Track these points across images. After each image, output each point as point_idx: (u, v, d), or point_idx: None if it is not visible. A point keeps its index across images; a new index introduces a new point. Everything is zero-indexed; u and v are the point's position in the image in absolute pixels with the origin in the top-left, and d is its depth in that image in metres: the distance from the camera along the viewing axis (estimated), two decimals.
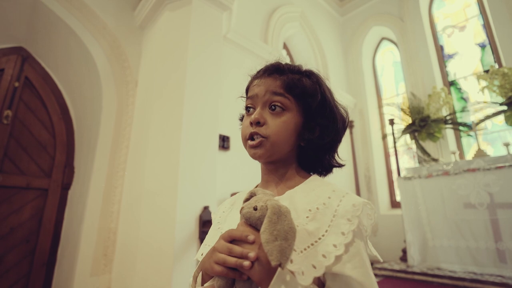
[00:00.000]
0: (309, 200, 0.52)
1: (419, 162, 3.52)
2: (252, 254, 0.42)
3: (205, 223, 1.98)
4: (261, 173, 0.65)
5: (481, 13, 3.83)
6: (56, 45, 2.60)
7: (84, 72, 2.66)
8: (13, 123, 2.41)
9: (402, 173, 3.51)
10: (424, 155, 3.46)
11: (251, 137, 0.57)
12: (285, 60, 0.65)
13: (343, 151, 3.99)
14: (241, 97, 0.68)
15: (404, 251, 3.17)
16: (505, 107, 2.97)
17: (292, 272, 0.42)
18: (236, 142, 2.77)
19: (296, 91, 0.57)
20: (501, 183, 2.52)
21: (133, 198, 2.31)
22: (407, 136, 3.93)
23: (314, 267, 0.44)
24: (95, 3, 2.61)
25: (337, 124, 0.59)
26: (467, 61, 3.90)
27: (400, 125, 3.93)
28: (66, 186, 2.58)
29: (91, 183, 2.39)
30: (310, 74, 0.61)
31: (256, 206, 0.45)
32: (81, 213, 2.36)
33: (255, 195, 0.50)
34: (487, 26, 3.72)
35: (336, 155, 0.62)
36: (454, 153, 3.23)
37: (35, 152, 2.49)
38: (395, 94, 4.64)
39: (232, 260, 0.43)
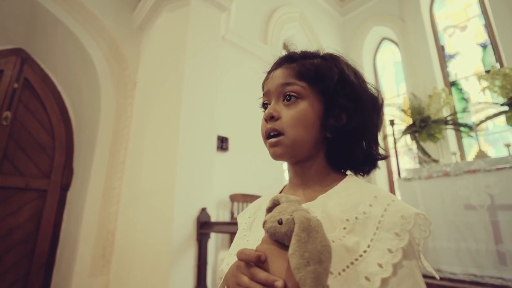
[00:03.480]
0: (345, 207, 0.44)
1: (420, 163, 3.50)
2: (279, 284, 0.35)
3: (202, 225, 1.97)
4: (288, 175, 0.58)
5: (482, 13, 3.80)
6: (55, 46, 2.61)
7: (83, 73, 2.67)
8: (12, 124, 2.42)
9: (402, 174, 3.49)
10: (425, 156, 3.44)
11: (268, 134, 0.51)
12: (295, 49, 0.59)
13: None
14: (260, 98, 0.61)
15: None
16: (506, 108, 2.94)
17: None
18: (235, 143, 2.76)
19: (309, 75, 0.50)
20: (501, 184, 2.50)
21: (132, 199, 2.31)
22: (408, 137, 3.91)
23: None
24: (94, 4, 2.62)
25: (364, 104, 0.51)
26: (468, 61, 3.87)
27: (401, 125, 3.91)
28: (65, 187, 2.58)
29: (90, 184, 2.39)
30: (325, 55, 0.55)
31: (281, 220, 0.38)
32: (79, 214, 2.36)
33: (278, 203, 0.43)
34: (488, 26, 3.69)
35: (373, 145, 0.52)
36: (454, 154, 3.21)
37: (34, 153, 2.50)
38: (396, 95, 4.61)
39: (256, 287, 0.37)
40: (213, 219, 2.07)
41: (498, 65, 3.45)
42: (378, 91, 0.54)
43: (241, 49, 3.12)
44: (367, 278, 0.37)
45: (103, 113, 2.57)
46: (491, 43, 3.64)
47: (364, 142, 0.52)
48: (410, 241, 0.39)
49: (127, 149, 2.61)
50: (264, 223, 0.40)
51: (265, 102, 0.56)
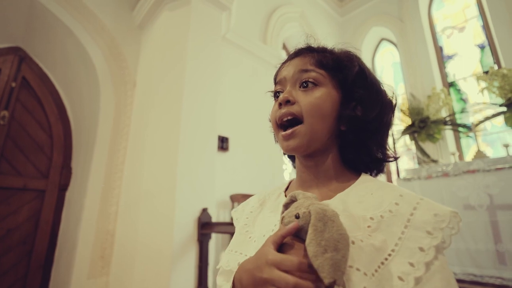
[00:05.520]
0: (368, 206, 0.43)
1: (419, 163, 3.51)
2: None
3: (203, 225, 1.96)
4: (297, 170, 0.55)
5: (480, 14, 3.82)
6: (54, 45, 2.58)
7: (82, 73, 2.64)
8: (10, 124, 2.39)
9: (402, 174, 3.50)
10: (424, 156, 3.45)
11: (281, 119, 0.49)
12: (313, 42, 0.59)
13: None
14: (269, 91, 0.59)
15: None
16: (504, 108, 2.96)
17: None
18: (235, 143, 2.75)
19: (329, 64, 0.50)
20: (501, 184, 2.51)
21: (131, 200, 2.29)
22: (407, 137, 3.92)
23: None
24: (93, 2, 2.59)
25: (382, 97, 0.50)
26: (466, 62, 3.89)
27: (400, 126, 3.92)
28: (63, 187, 2.55)
29: (89, 184, 2.37)
30: (343, 50, 0.55)
31: (298, 214, 0.39)
32: (78, 214, 2.34)
33: (295, 199, 0.43)
34: (486, 27, 3.72)
35: (384, 144, 0.51)
36: (453, 154, 3.23)
37: (32, 153, 2.47)
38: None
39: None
40: (214, 219, 2.06)
41: (496, 66, 3.48)
42: (393, 91, 0.54)
43: (241, 49, 3.11)
44: (400, 278, 0.36)
45: (102, 112, 2.54)
46: (489, 44, 3.67)
47: (376, 139, 0.50)
48: (444, 238, 0.38)
49: (126, 149, 2.59)
50: (282, 218, 0.41)
51: (278, 90, 0.54)
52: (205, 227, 1.96)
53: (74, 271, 2.16)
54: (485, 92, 3.24)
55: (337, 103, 0.49)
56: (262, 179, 2.87)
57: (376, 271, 0.37)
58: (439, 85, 3.92)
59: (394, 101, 0.53)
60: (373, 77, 0.51)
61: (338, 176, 0.50)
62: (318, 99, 0.48)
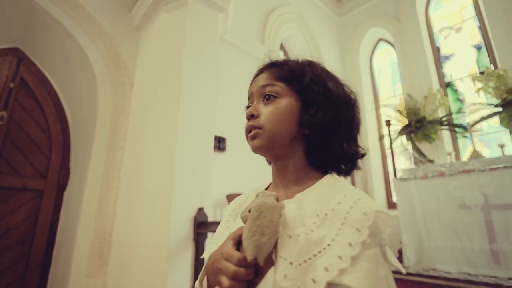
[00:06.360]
0: (318, 205, 0.46)
1: (415, 163, 3.53)
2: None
3: (199, 225, 1.98)
4: (272, 174, 0.61)
5: (477, 15, 3.84)
6: (52, 46, 2.60)
7: (80, 73, 2.66)
8: (8, 124, 2.41)
9: (398, 174, 3.52)
10: (420, 156, 3.47)
11: (249, 131, 0.55)
12: (279, 56, 0.64)
13: None
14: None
15: (400, 252, 3.18)
16: (500, 109, 2.98)
17: None
18: (232, 143, 2.77)
19: (285, 76, 0.56)
20: (495, 184, 2.53)
21: (129, 199, 2.31)
22: (403, 137, 3.94)
23: (314, 281, 0.39)
24: (91, 4, 2.62)
25: (336, 99, 0.54)
26: (463, 63, 3.91)
27: (397, 126, 3.94)
28: (61, 187, 2.58)
29: (87, 184, 2.39)
30: (302, 61, 0.59)
31: (250, 209, 0.45)
32: (76, 214, 2.36)
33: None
34: (483, 28, 3.74)
35: (351, 142, 0.55)
36: (450, 154, 3.25)
37: (31, 153, 2.49)
38: (392, 95, 4.65)
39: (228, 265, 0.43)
40: (210, 219, 2.08)
41: (492, 67, 3.49)
42: (352, 91, 0.58)
43: (239, 50, 3.13)
44: (326, 269, 0.39)
45: (100, 113, 2.56)
46: (486, 45, 3.69)
47: (340, 139, 0.54)
48: (373, 235, 0.41)
49: (124, 149, 2.61)
50: (241, 213, 0.48)
51: (248, 105, 0.61)
52: (201, 226, 1.98)
53: (72, 270, 2.18)
54: (481, 92, 3.26)
55: (297, 110, 0.54)
56: (259, 179, 2.89)
57: (305, 261, 0.41)
58: (436, 85, 3.94)
59: (353, 99, 0.57)
60: (326, 81, 0.55)
61: (303, 177, 0.54)
62: (276, 109, 0.54)
